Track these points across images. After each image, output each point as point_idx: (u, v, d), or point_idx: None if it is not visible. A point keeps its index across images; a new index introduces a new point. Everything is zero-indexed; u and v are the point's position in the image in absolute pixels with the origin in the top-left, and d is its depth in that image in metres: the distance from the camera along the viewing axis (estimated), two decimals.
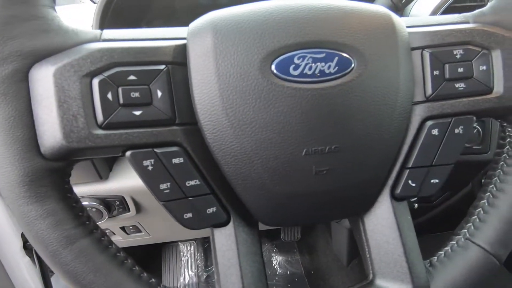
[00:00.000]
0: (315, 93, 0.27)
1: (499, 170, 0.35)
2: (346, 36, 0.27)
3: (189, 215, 0.29)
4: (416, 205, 0.68)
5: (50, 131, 0.24)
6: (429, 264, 0.34)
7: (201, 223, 0.29)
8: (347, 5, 0.29)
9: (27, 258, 0.72)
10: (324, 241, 1.22)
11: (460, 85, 0.30)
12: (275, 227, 1.14)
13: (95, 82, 0.25)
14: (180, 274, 1.20)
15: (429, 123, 0.31)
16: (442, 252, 0.34)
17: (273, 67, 0.26)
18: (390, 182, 0.32)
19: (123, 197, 0.58)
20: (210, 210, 0.29)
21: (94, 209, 0.57)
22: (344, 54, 0.27)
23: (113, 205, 0.59)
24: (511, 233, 0.33)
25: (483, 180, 0.50)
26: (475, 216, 0.35)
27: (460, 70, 0.30)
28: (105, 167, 0.55)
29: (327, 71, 0.27)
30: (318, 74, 0.27)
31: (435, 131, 0.31)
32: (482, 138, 0.59)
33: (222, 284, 0.30)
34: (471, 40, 0.30)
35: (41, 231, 0.25)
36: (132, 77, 0.25)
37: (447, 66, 0.30)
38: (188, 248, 1.25)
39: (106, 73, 0.25)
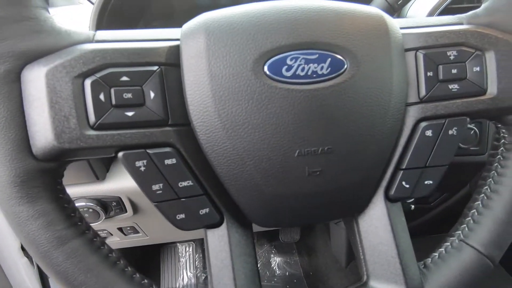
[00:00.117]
0: (307, 94, 0.27)
1: (493, 171, 0.35)
2: (339, 37, 0.27)
3: (182, 216, 0.29)
4: (413, 206, 0.68)
5: (42, 132, 0.24)
6: (423, 266, 0.34)
7: (194, 224, 0.29)
8: (340, 6, 0.29)
9: (25, 259, 0.72)
10: (323, 242, 1.21)
11: (454, 86, 0.30)
12: (273, 228, 1.14)
13: (87, 83, 0.25)
14: (179, 275, 1.20)
15: (423, 124, 0.31)
16: (436, 254, 0.34)
17: (265, 68, 0.26)
18: (384, 183, 0.32)
19: (120, 198, 0.58)
20: (203, 211, 0.29)
21: (91, 210, 0.57)
22: (337, 55, 0.27)
23: (110, 205, 0.59)
24: (505, 234, 0.33)
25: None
26: (469, 218, 0.35)
27: (454, 71, 0.30)
28: (102, 167, 0.55)
29: (319, 72, 0.27)
30: (311, 75, 0.27)
31: (429, 132, 0.31)
32: (479, 140, 0.59)
33: (214, 285, 0.30)
34: (465, 41, 0.30)
35: (33, 231, 0.25)
36: (124, 78, 0.25)
37: (440, 67, 0.30)
38: (187, 249, 1.25)
39: (99, 74, 0.25)
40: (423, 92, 0.30)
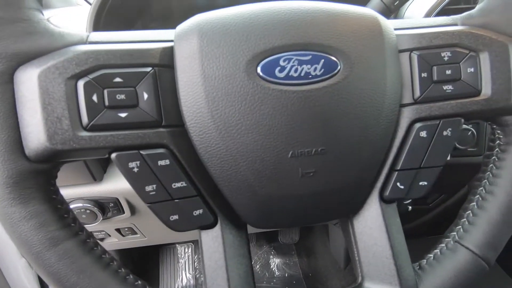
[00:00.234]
0: (301, 95, 0.27)
1: (489, 172, 0.35)
2: (332, 39, 0.27)
3: (175, 217, 0.29)
4: (410, 207, 0.68)
5: (35, 133, 0.24)
6: (418, 267, 0.34)
7: (187, 225, 0.29)
8: (334, 7, 0.29)
9: (24, 260, 0.72)
10: (322, 243, 1.21)
11: (448, 87, 0.30)
12: (272, 229, 1.14)
13: (80, 84, 0.25)
14: (178, 276, 1.20)
15: (417, 125, 0.31)
16: (432, 255, 0.34)
17: (259, 69, 0.26)
18: (378, 184, 0.32)
19: (117, 199, 0.58)
20: (197, 212, 0.29)
21: (88, 211, 0.57)
22: (330, 57, 0.27)
23: (107, 206, 0.59)
24: (500, 236, 0.33)
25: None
26: (464, 219, 0.35)
27: (448, 72, 0.30)
28: (99, 169, 0.55)
29: (313, 73, 0.27)
30: (304, 76, 0.27)
31: (423, 133, 0.31)
32: (477, 141, 0.59)
33: (208, 286, 0.30)
34: (459, 42, 0.30)
35: (25, 232, 0.25)
36: (118, 79, 0.25)
37: (435, 68, 0.30)
38: (186, 250, 1.25)
39: (92, 75, 0.25)
40: (417, 93, 0.30)
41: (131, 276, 0.29)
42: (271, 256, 1.27)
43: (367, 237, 0.33)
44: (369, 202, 0.33)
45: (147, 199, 0.28)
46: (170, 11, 0.68)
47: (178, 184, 0.28)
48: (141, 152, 0.27)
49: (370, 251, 0.32)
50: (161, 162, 0.27)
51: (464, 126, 0.58)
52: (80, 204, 0.56)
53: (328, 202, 0.31)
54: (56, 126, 0.24)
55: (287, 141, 0.27)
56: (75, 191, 0.55)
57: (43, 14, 0.26)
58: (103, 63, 0.25)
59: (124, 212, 0.62)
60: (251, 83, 0.26)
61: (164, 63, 0.27)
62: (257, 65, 0.26)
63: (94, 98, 0.25)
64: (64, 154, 0.25)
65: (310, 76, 0.27)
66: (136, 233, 0.73)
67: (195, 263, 1.22)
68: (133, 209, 0.63)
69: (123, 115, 0.26)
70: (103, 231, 0.71)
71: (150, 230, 0.74)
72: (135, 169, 0.27)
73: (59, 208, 0.27)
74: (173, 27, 0.30)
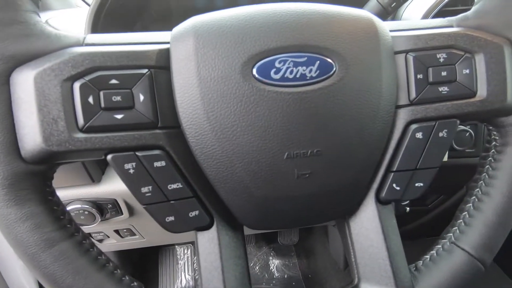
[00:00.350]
0: (296, 96, 0.27)
1: (485, 173, 0.35)
2: (327, 40, 0.28)
3: (171, 218, 0.29)
4: (408, 209, 0.68)
5: (30, 135, 0.24)
6: (414, 268, 0.34)
7: (183, 226, 0.29)
8: (329, 9, 0.29)
9: None
10: (321, 244, 1.21)
11: (444, 89, 0.30)
12: (271, 231, 1.14)
13: (76, 86, 0.25)
14: (177, 277, 1.20)
15: (413, 126, 0.31)
16: (428, 256, 0.34)
17: (254, 71, 0.27)
18: (375, 185, 0.32)
19: (115, 200, 0.58)
20: (193, 214, 0.29)
21: (86, 212, 0.57)
22: (326, 58, 0.27)
23: (105, 208, 0.59)
24: (496, 237, 0.33)
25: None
26: (461, 220, 0.35)
27: (444, 73, 0.30)
28: (97, 170, 0.55)
29: (308, 75, 0.27)
30: (300, 78, 0.27)
31: (419, 135, 0.31)
32: (475, 142, 0.59)
33: (204, 287, 0.30)
34: (454, 44, 0.31)
35: (20, 234, 0.25)
36: (114, 81, 0.26)
37: (430, 69, 0.30)
38: (185, 251, 1.25)
39: (88, 77, 0.25)
40: (413, 94, 0.30)
41: (127, 278, 0.29)
42: (271, 257, 1.27)
43: (363, 238, 0.33)
44: (365, 203, 0.33)
45: (143, 200, 0.28)
46: (169, 13, 0.68)
47: (174, 186, 0.28)
48: (137, 153, 0.27)
49: (366, 252, 0.32)
50: (157, 164, 0.27)
51: (462, 127, 0.58)
52: (79, 206, 0.56)
53: (324, 203, 0.31)
54: (52, 127, 0.24)
55: (282, 142, 0.27)
56: (73, 193, 0.55)
57: (39, 16, 0.26)
58: (99, 65, 0.25)
59: (122, 213, 0.62)
60: (247, 84, 0.26)
61: (160, 65, 0.27)
62: (253, 67, 0.27)
63: (90, 99, 0.25)
64: (60, 155, 0.25)
65: (306, 78, 0.27)
66: (134, 234, 0.73)
67: (194, 264, 1.22)
68: (131, 210, 0.63)
69: (119, 116, 0.26)
70: (101, 232, 0.71)
71: (149, 231, 0.74)
72: (131, 171, 0.27)
73: (55, 209, 0.27)
74: (172, 28, 0.30)
